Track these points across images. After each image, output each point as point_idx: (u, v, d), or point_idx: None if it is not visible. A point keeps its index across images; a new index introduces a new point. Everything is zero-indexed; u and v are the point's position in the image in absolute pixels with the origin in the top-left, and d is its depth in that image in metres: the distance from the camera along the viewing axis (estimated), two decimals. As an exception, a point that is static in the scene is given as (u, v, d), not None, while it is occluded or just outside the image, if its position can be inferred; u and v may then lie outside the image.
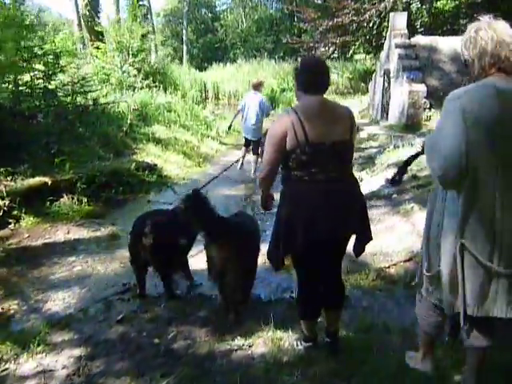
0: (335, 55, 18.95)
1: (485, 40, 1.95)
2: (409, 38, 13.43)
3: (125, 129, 9.23)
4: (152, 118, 11.24)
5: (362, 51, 20.12)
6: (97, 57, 13.92)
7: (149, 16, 34.38)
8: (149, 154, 9.00)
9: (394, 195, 6.45)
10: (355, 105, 17.33)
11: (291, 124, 2.57)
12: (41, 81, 8.96)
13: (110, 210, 6.78)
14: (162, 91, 13.81)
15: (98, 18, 14.40)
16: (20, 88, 8.30)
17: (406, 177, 7.01)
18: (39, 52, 9.18)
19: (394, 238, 5.11)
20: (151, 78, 13.80)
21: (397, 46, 13.20)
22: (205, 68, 31.01)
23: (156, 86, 13.70)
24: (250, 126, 8.85)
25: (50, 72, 9.29)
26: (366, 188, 7.12)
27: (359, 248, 2.90)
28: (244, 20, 43.83)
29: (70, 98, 9.57)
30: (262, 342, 3.20)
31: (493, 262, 2.07)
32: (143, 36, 14.52)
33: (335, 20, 16.42)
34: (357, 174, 7.39)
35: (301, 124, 2.56)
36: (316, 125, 2.59)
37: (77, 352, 3.24)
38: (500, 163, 1.98)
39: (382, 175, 7.46)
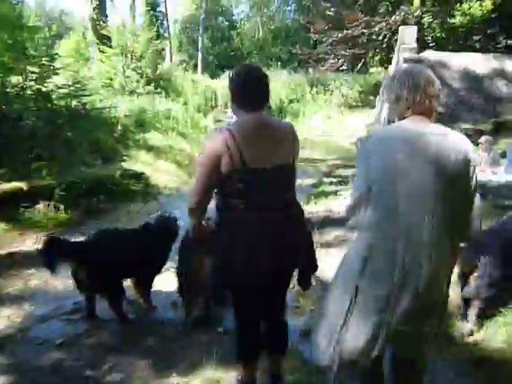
0: (344, 67, 18.65)
1: (401, 85, 1.99)
2: (418, 53, 13.08)
3: (115, 135, 9.00)
4: (149, 125, 11.04)
5: (375, 64, 19.83)
6: (101, 60, 13.79)
7: (165, 22, 34.60)
8: (138, 161, 8.78)
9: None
10: (362, 119, 16.99)
11: (226, 146, 2.22)
12: (33, 83, 8.78)
13: (87, 219, 6.53)
14: (164, 97, 13.63)
15: (105, 21, 14.23)
16: (8, 90, 8.10)
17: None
18: (32, 53, 9.03)
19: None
20: (153, 84, 13.61)
21: (405, 61, 12.83)
22: (218, 75, 30.94)
23: (158, 93, 13.53)
24: None
25: (45, 74, 9.13)
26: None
27: (305, 281, 2.63)
28: (261, 29, 43.86)
29: (63, 101, 9.39)
30: (198, 382, 2.89)
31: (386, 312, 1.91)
32: (150, 41, 14.33)
33: (345, 32, 16.13)
34: (347, 193, 7.26)
35: (236, 146, 2.22)
36: (254, 147, 2.26)
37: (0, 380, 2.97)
38: (402, 204, 1.88)
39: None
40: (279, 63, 31.39)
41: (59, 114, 8.60)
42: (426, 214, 1.86)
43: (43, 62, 9.19)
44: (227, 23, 45.78)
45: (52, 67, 9.38)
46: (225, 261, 2.37)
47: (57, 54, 9.74)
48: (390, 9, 15.43)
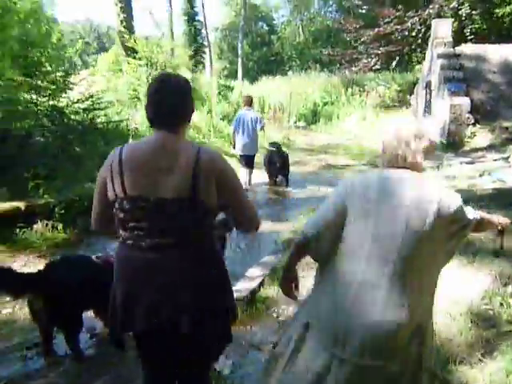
0: (377, 67, 17.81)
1: (385, 142, 2.04)
2: (453, 47, 12.20)
3: (126, 149, 8.79)
4: (168, 136, 10.83)
5: (412, 61, 18.87)
6: (127, 72, 13.83)
7: (203, 31, 34.86)
8: (150, 174, 8.51)
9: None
10: (398, 119, 16.13)
11: (109, 169, 1.94)
12: (45, 99, 8.77)
13: (84, 238, 6.31)
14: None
15: (131, 33, 14.25)
16: (19, 107, 8.09)
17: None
18: (48, 69, 9.03)
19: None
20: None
21: (439, 56, 12.05)
22: (258, 81, 30.75)
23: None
24: (249, 143, 8.73)
25: (60, 89, 9.13)
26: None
27: (213, 348, 2.15)
28: (301, 32, 43.40)
29: (78, 116, 9.36)
30: None
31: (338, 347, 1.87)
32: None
33: (377, 30, 15.37)
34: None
35: (120, 169, 1.90)
36: (140, 173, 1.89)
37: None
38: (367, 241, 1.87)
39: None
40: (318, 65, 30.78)
41: (70, 130, 8.50)
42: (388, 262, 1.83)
43: (57, 77, 9.18)
44: (267, 28, 45.64)
45: (67, 82, 9.37)
46: (113, 302, 2.05)
47: (71, 70, 9.59)
48: (425, 2, 14.53)
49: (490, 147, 10.51)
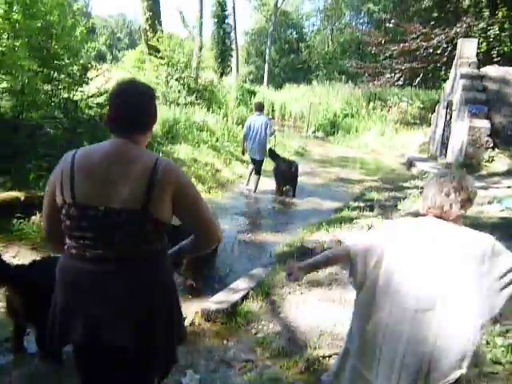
0: (400, 82, 17.57)
1: (425, 190, 2.18)
2: (478, 68, 11.91)
3: (134, 146, 8.79)
4: (180, 137, 10.83)
5: (437, 79, 18.56)
6: (146, 70, 13.92)
7: (232, 34, 34.99)
8: (155, 174, 8.48)
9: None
10: (418, 137, 15.87)
11: (61, 172, 1.85)
12: (61, 91, 8.82)
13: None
14: (206, 109, 13.44)
15: (155, 32, 14.30)
16: (33, 97, 8.14)
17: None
18: (65, 62, 9.07)
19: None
20: (195, 95, 13.49)
21: (462, 76, 11.78)
22: (281, 87, 30.74)
23: (199, 104, 13.39)
24: (257, 147, 8.91)
25: (75, 83, 9.17)
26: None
27: (158, 367, 2.01)
28: (330, 42, 43.30)
29: (92, 110, 9.40)
30: None
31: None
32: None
33: (402, 45, 15.14)
34: (366, 221, 6.51)
35: (71, 174, 1.81)
36: (90, 180, 1.80)
37: None
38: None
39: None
40: (343, 77, 30.59)
41: (80, 123, 8.52)
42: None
43: (74, 71, 9.23)
44: (296, 36, 45.64)
45: (83, 76, 9.40)
46: (53, 311, 1.96)
47: (90, 63, 9.63)
48: (452, 20, 14.28)
49: (508, 173, 10.20)
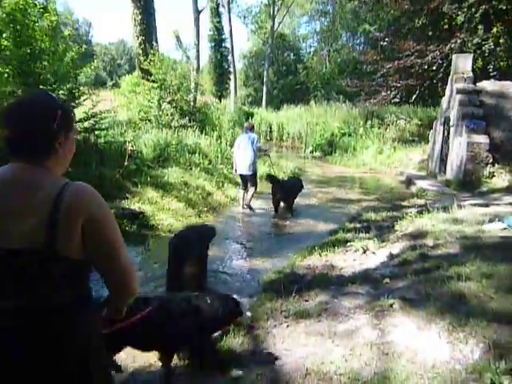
0: (396, 100, 17.39)
1: None
2: (474, 83, 11.70)
3: (121, 170, 8.54)
4: (172, 160, 10.58)
5: (433, 95, 18.39)
6: (139, 93, 13.78)
7: (230, 57, 35.21)
8: (143, 199, 8.20)
9: (387, 280, 4.94)
10: (416, 155, 15.58)
11: None
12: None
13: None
14: (200, 131, 13.23)
15: (147, 56, 14.19)
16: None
17: (413, 254, 5.55)
18: (51, 87, 8.90)
19: (344, 350, 3.67)
20: (188, 118, 13.30)
21: (458, 92, 11.57)
22: (278, 109, 30.70)
23: (191, 126, 13.18)
24: (246, 162, 9.05)
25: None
26: (363, 263, 5.72)
27: None
28: (328, 63, 43.52)
29: (80, 135, 9.19)
30: None
31: None
32: (186, 74, 14.14)
33: (396, 62, 14.99)
34: (361, 244, 6.16)
35: None
36: None
37: None
38: None
39: (388, 249, 5.95)
40: (341, 96, 30.53)
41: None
42: None
43: (60, 95, 9.05)
44: (294, 57, 45.93)
45: (72, 99, 9.23)
46: None
47: (77, 88, 9.46)
48: (446, 36, 14.17)
49: (509, 189, 9.87)
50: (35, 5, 9.20)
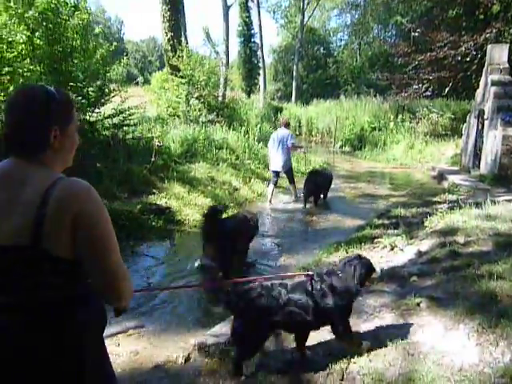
0: (428, 93, 16.91)
1: None
2: (510, 74, 11.27)
3: (148, 166, 8.61)
4: (199, 155, 10.62)
5: (470, 88, 17.83)
6: (168, 89, 13.88)
7: (259, 53, 35.07)
8: (170, 194, 8.25)
9: (414, 278, 4.80)
10: (449, 149, 15.16)
11: None
12: (77, 113, 8.74)
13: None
14: (227, 127, 13.23)
15: (176, 52, 14.27)
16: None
17: (442, 251, 5.37)
18: (81, 84, 9.02)
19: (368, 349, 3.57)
20: (215, 113, 13.32)
21: (493, 83, 11.17)
22: (308, 104, 30.43)
23: (219, 122, 13.20)
24: (279, 159, 9.28)
25: (91, 104, 9.11)
26: (390, 260, 5.58)
27: None
28: (358, 56, 42.89)
29: (108, 131, 9.31)
30: None
31: None
32: (214, 70, 14.17)
33: (429, 54, 14.59)
34: (389, 240, 6.02)
35: None
36: None
37: None
38: None
39: (416, 246, 5.79)
40: (372, 90, 30.02)
41: (93, 144, 8.41)
42: None
43: (89, 92, 9.18)
44: (324, 51, 45.41)
45: (102, 95, 9.34)
46: None
47: (106, 84, 9.57)
48: (480, 26, 13.68)
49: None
50: (66, 3, 9.34)
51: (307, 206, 9.15)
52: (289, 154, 9.37)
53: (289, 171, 9.52)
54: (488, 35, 13.29)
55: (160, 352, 3.90)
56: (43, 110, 1.53)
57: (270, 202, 9.42)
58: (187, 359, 3.73)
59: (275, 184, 9.52)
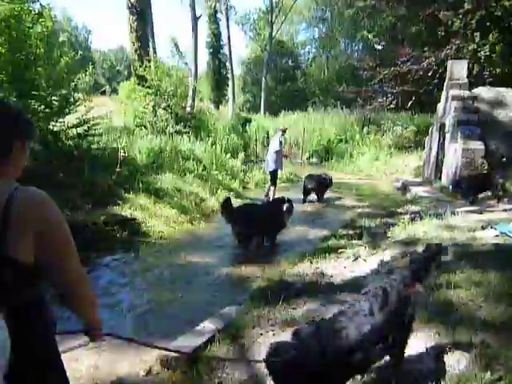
0: (392, 106, 17.38)
1: None
2: (469, 89, 11.68)
3: (114, 177, 8.49)
4: (165, 166, 10.54)
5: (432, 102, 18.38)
6: (135, 99, 13.77)
7: (228, 64, 35.21)
8: (135, 205, 8.15)
9: (376, 288, 4.87)
10: (413, 161, 15.56)
11: None
12: (40, 123, 8.56)
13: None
14: (194, 137, 13.20)
15: (142, 61, 14.21)
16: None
17: (404, 261, 5.48)
18: (44, 93, 8.85)
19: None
20: (183, 124, 13.28)
21: (453, 98, 11.55)
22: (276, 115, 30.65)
23: (186, 132, 13.16)
24: (266, 161, 10.75)
25: (54, 113, 8.94)
26: (353, 270, 5.66)
27: None
28: (326, 69, 43.64)
29: (72, 141, 9.15)
30: None
31: None
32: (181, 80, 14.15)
33: (392, 69, 15.00)
34: (353, 251, 6.11)
35: None
36: None
37: None
38: None
39: (379, 256, 5.89)
40: (339, 103, 30.55)
41: (55, 155, 8.24)
42: None
43: (53, 101, 9.02)
44: (292, 64, 45.99)
45: (66, 104, 9.19)
46: None
47: (70, 92, 9.42)
48: (442, 42, 14.18)
49: (504, 196, 9.83)
50: (30, 11, 9.20)
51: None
52: (274, 158, 10.37)
53: (272, 172, 10.54)
54: (448, 51, 13.80)
55: (121, 366, 3.83)
56: (11, 121, 1.62)
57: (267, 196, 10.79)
58: (148, 372, 3.68)
59: (272, 184, 10.65)
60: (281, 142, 10.54)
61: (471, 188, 9.67)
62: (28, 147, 1.72)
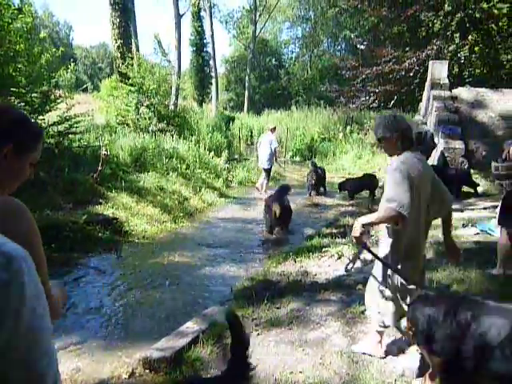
0: (375, 105, 17.53)
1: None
2: (450, 89, 11.83)
3: (95, 175, 8.38)
4: (148, 165, 10.44)
5: (409, 102, 18.58)
6: (117, 97, 13.60)
7: (211, 62, 35.07)
8: (117, 204, 8.05)
9: (360, 286, 4.91)
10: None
11: None
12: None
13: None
14: (178, 136, 13.10)
15: (124, 58, 14.05)
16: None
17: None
18: (24, 90, 8.69)
19: (314, 358, 3.61)
20: (166, 122, 13.18)
21: (434, 98, 11.69)
22: (259, 114, 30.64)
23: (170, 131, 13.06)
24: (264, 158, 11.29)
25: (34, 110, 8.79)
26: (337, 269, 5.69)
27: None
28: (309, 68, 43.75)
29: (53, 139, 9.01)
30: None
31: None
32: (164, 78, 14.03)
33: (375, 68, 15.12)
34: (336, 249, 6.14)
35: None
36: None
37: None
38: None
39: (363, 255, 5.91)
40: (322, 102, 30.66)
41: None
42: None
43: (33, 98, 8.87)
44: (276, 63, 46.02)
45: (46, 102, 9.03)
46: None
47: (51, 89, 9.27)
48: (423, 43, 14.35)
49: (484, 194, 10.00)
50: (9, 6, 9.02)
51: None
52: (266, 156, 11.14)
53: (267, 170, 11.38)
54: (429, 52, 13.95)
55: (103, 368, 3.78)
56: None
57: (266, 192, 10.99)
58: (131, 374, 3.63)
59: (265, 178, 11.45)
60: (275, 141, 11.42)
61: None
62: (26, 161, 1.57)
